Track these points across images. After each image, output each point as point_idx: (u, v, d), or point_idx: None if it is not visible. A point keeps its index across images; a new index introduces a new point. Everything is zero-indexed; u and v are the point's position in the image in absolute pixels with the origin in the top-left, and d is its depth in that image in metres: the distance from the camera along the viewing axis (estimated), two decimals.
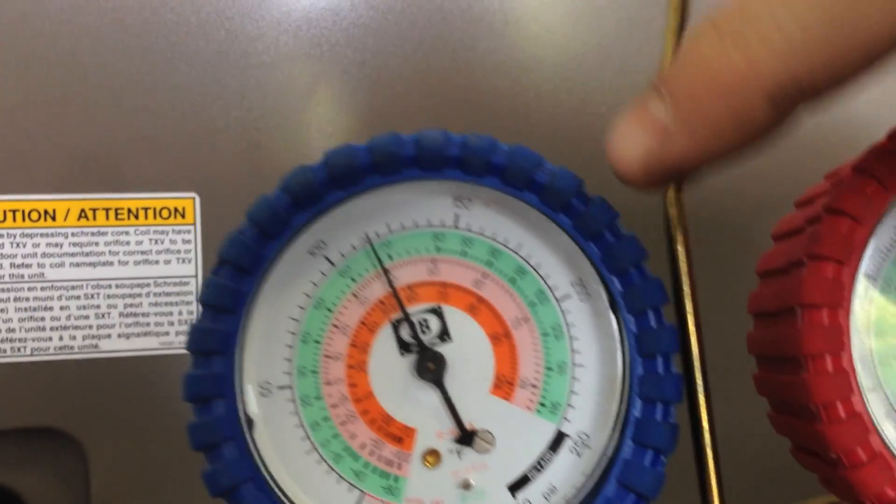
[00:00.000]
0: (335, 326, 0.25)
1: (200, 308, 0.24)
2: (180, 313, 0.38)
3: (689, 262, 0.28)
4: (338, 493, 0.25)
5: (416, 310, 0.26)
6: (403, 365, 0.25)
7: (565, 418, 0.25)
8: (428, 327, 0.26)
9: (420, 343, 0.25)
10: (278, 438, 0.25)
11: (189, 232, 0.39)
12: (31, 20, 0.38)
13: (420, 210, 0.26)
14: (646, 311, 0.25)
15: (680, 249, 0.28)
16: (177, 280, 0.38)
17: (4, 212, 0.37)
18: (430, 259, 0.26)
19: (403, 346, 0.25)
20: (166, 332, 0.38)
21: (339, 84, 0.41)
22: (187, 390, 0.23)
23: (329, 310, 0.25)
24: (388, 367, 0.25)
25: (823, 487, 0.29)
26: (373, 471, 0.25)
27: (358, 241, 0.26)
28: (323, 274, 0.26)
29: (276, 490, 0.24)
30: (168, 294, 0.38)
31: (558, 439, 0.25)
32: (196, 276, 0.39)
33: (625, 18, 0.43)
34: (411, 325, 0.25)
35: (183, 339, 0.38)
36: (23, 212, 0.37)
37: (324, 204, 0.24)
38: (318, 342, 0.25)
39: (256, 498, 0.23)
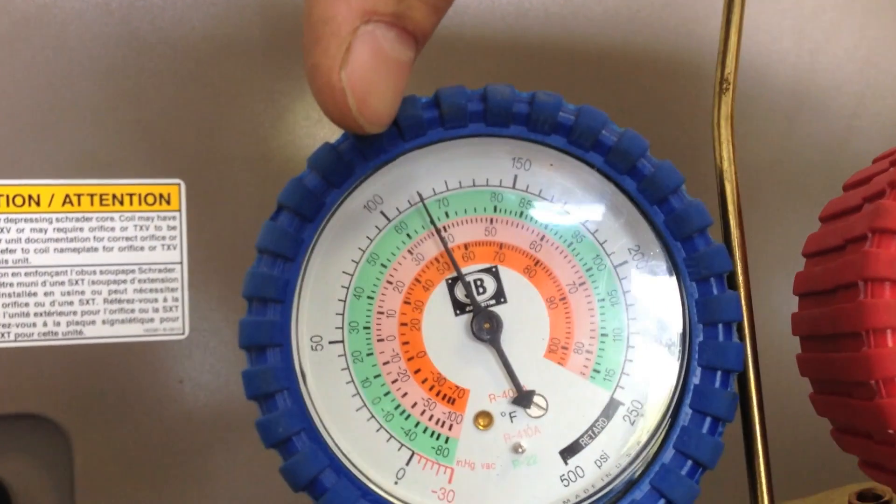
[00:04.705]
0: (388, 283, 0.25)
1: (257, 253, 0.23)
2: (165, 300, 0.38)
3: (741, 234, 0.27)
4: (388, 452, 0.24)
5: (471, 269, 0.25)
6: (458, 324, 0.25)
7: (619, 386, 0.25)
8: (483, 288, 0.25)
9: (475, 303, 0.25)
10: (329, 394, 0.24)
11: (174, 218, 0.38)
12: (15, 4, 0.37)
13: (479, 168, 0.25)
14: (709, 278, 0.24)
15: (732, 222, 0.27)
16: (162, 266, 0.38)
17: None
18: (488, 219, 0.25)
19: (458, 306, 0.25)
20: (151, 318, 0.38)
21: None
22: (242, 336, 0.23)
23: (383, 266, 0.25)
24: (442, 326, 0.25)
25: (862, 471, 0.29)
26: (424, 431, 0.24)
27: (414, 198, 0.25)
28: (378, 229, 0.25)
29: (330, 444, 0.23)
30: (153, 280, 0.38)
31: (612, 406, 0.25)
32: (181, 262, 0.38)
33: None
34: (466, 284, 0.25)
35: (167, 325, 0.38)
36: (7, 196, 0.37)
37: (388, 155, 0.24)
38: (370, 298, 0.25)
39: (311, 450, 0.22)
